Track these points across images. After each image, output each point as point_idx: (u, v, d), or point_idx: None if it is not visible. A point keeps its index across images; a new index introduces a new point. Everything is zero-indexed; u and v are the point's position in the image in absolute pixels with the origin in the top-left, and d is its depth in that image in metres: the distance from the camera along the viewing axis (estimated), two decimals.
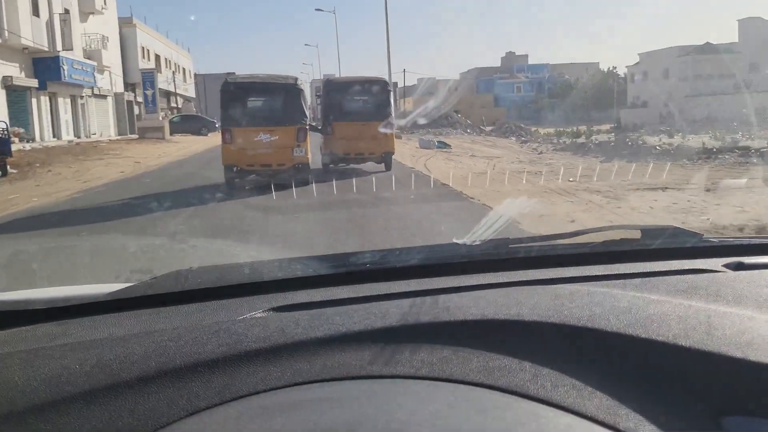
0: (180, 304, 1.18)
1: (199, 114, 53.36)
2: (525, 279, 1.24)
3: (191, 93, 66.55)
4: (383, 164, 14.12)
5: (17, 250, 6.49)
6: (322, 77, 74.64)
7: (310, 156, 11.97)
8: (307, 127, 11.88)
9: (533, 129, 37.91)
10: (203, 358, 0.86)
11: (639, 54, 67.26)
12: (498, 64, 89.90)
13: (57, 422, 0.77)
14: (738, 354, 0.83)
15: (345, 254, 1.52)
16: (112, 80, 39.99)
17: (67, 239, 7.16)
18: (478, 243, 1.51)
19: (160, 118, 34.16)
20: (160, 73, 52.36)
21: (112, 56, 39.13)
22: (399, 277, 1.29)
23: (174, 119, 44.13)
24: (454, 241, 1.53)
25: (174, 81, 54.61)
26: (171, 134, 40.57)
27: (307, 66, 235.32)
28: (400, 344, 0.89)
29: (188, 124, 43.22)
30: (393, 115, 14.29)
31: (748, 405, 0.79)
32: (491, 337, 0.90)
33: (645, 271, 1.29)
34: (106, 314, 1.14)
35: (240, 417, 0.76)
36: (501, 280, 1.23)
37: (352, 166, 14.26)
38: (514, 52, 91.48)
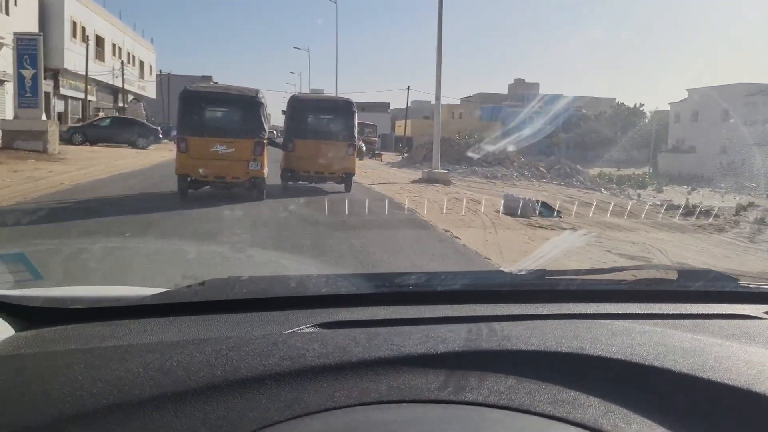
0: (223, 312, 1.18)
1: (148, 119, 40.73)
2: (571, 312, 1.24)
3: (150, 93, 54.14)
4: (343, 185, 13.76)
5: (70, 246, 6.33)
6: (309, 91, 66.07)
7: (266, 171, 11.68)
8: (265, 141, 11.63)
9: (594, 171, 30.63)
10: (269, 371, 0.85)
11: (688, 90, 57.47)
12: (505, 90, 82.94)
13: (128, 426, 0.75)
14: None
15: (390, 274, 1.66)
16: (15, 59, 27.73)
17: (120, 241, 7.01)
18: (522, 272, 1.57)
19: (43, 118, 20.17)
20: (102, 61, 39.94)
21: (17, 25, 26.94)
22: (442, 301, 1.28)
23: (98, 122, 31.64)
24: (501, 268, 1.77)
25: (123, 74, 42.34)
26: (84, 143, 28.10)
27: (294, 76, 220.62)
28: (465, 370, 0.89)
29: (119, 130, 30.65)
30: (356, 136, 14.26)
31: None
32: (555, 370, 0.90)
33: (691, 312, 1.29)
34: (153, 318, 1.14)
35: None
36: (546, 311, 1.23)
37: (313, 184, 14.01)
38: (523, 80, 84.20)
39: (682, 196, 23.87)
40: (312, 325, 1.08)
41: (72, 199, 10.92)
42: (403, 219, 10.10)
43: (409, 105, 62.94)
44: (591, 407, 0.82)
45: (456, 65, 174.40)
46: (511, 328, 1.04)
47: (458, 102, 78.30)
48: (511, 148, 28.11)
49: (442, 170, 18.90)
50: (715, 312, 1.30)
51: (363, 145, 34.53)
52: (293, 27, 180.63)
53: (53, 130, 20.70)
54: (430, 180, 17.51)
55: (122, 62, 43.15)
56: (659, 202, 18.41)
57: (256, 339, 0.98)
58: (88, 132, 29.53)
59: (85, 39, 35.29)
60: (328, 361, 0.88)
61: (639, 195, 22.23)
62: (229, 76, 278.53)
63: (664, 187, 28.42)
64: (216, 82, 63.99)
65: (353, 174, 13.93)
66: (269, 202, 11.34)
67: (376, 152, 38.66)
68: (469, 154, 25.43)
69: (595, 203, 15.81)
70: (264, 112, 11.70)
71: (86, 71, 34.45)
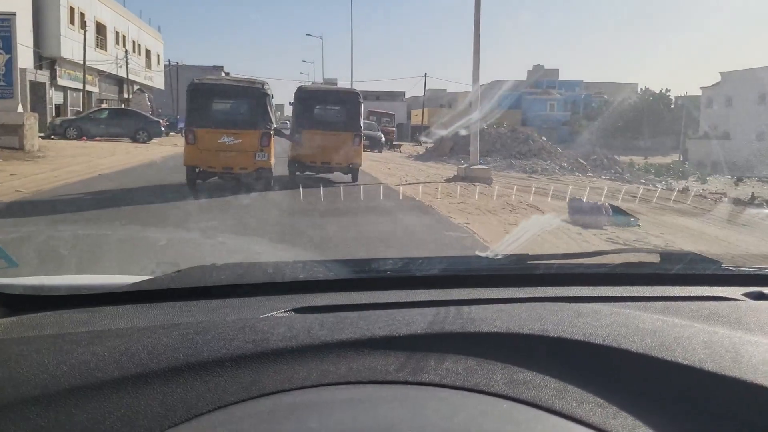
0: (201, 299, 1.20)
1: (155, 111, 38.48)
2: (545, 296, 1.26)
3: (159, 84, 51.82)
4: (350, 175, 13.49)
5: (48, 235, 6.36)
6: (322, 81, 63.28)
7: (273, 161, 11.75)
8: (272, 132, 11.66)
9: (625, 160, 27.30)
10: (230, 354, 0.87)
11: (721, 73, 54.32)
12: (524, 77, 78.66)
13: (87, 407, 0.78)
14: (764, 382, 0.83)
15: (367, 260, 1.57)
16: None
17: (95, 227, 7.05)
18: (499, 257, 1.53)
19: (20, 110, 17.40)
20: (104, 50, 37.70)
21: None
22: (419, 286, 1.31)
23: (95, 114, 29.12)
24: (477, 253, 1.58)
25: (127, 63, 40.07)
26: (80, 137, 25.94)
27: (307, 65, 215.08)
28: (425, 352, 0.90)
29: (118, 122, 28.16)
30: (362, 127, 14.17)
31: None
32: (515, 351, 0.91)
33: (665, 295, 1.30)
34: (129, 304, 1.16)
35: (263, 413, 0.78)
36: (521, 295, 1.25)
37: (320, 174, 13.64)
38: (542, 66, 79.87)
39: (728, 187, 21.19)
40: (287, 310, 1.10)
41: None
42: (460, 240, 7.46)
43: (424, 93, 60.17)
44: (546, 387, 0.84)
45: (470, 51, 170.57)
46: (479, 311, 1.05)
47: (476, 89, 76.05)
48: (534, 138, 25.44)
49: (482, 166, 16.27)
50: (692, 294, 1.30)
51: (382, 136, 32.07)
52: (306, 15, 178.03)
53: (31, 124, 18.18)
54: (467, 178, 14.63)
55: (126, 51, 40.77)
56: (724, 198, 15.87)
57: (225, 324, 0.98)
58: (84, 125, 27.14)
59: (83, 25, 32.98)
60: (290, 344, 0.90)
61: (686, 187, 19.67)
62: (240, 66, 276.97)
63: (707, 178, 25.72)
64: (227, 73, 62.68)
65: (359, 164, 13.75)
66: (275, 199, 10.74)
67: (394, 143, 36.15)
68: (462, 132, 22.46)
69: (654, 201, 13.46)
70: (270, 104, 11.78)
71: (84, 59, 32.23)
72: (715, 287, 1.37)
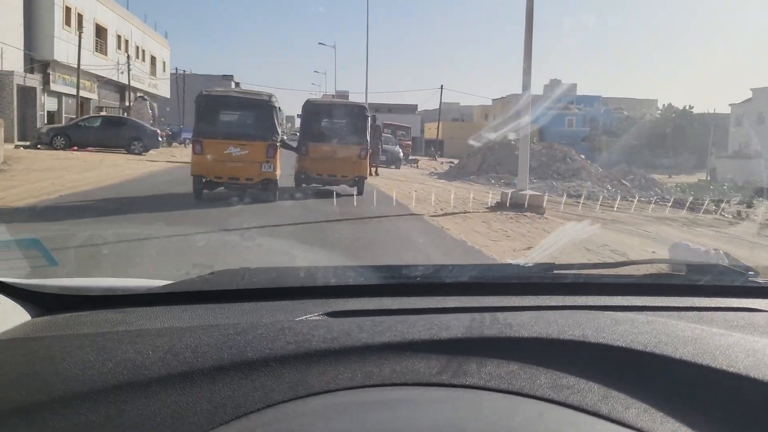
0: (234, 301, 1.20)
1: (156, 120, 35.91)
2: (577, 304, 1.25)
3: (164, 92, 49.45)
4: (355, 188, 13.42)
5: (91, 234, 6.47)
6: (334, 92, 61.11)
7: (278, 172, 11.84)
8: (278, 144, 11.80)
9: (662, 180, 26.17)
10: (274, 354, 0.87)
11: (753, 89, 51.72)
12: (540, 92, 75.49)
13: (137, 404, 0.79)
14: None
15: (398, 266, 1.57)
16: None
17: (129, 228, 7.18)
18: (529, 265, 1.57)
19: None
20: (104, 54, 35.38)
21: None
22: (450, 293, 1.30)
23: (86, 122, 26.26)
24: (509, 261, 2.15)
25: (129, 69, 37.77)
26: (70, 146, 23.47)
27: (319, 75, 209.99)
28: (467, 356, 0.90)
29: (112, 131, 25.43)
30: (369, 140, 14.14)
31: None
32: (556, 356, 0.91)
33: (697, 305, 1.29)
34: (164, 305, 1.18)
35: (319, 412, 0.78)
36: (553, 303, 1.24)
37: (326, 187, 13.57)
38: (559, 80, 77.66)
39: None
40: (320, 314, 1.10)
41: None
42: None
43: (435, 107, 57.63)
44: (590, 392, 0.84)
45: (485, 65, 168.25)
46: (515, 317, 1.05)
47: (490, 103, 72.57)
48: (573, 156, 22.84)
49: (533, 192, 13.17)
50: (721, 305, 1.30)
51: (400, 150, 29.50)
52: (318, 24, 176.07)
53: None
54: (515, 206, 11.68)
55: (128, 56, 38.51)
56: None
57: (264, 325, 0.99)
58: (73, 134, 24.47)
59: (80, 26, 30.60)
60: (332, 345, 0.90)
61: (740, 213, 17.18)
62: (251, 75, 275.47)
63: (753, 201, 22.94)
64: (237, 83, 60.75)
65: (365, 178, 13.94)
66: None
67: (410, 158, 33.61)
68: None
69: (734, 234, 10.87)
70: (277, 116, 11.91)
71: (78, 62, 29.75)
72: (743, 299, 1.36)
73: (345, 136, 13.59)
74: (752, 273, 1.54)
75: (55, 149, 23.09)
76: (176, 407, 0.78)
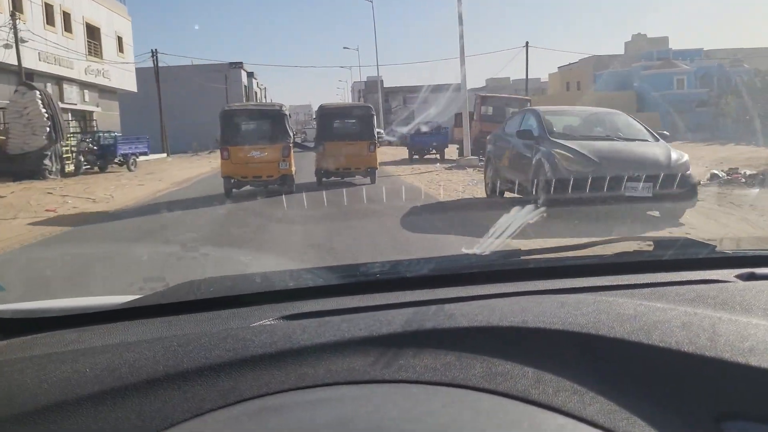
0: (192, 312, 1.21)
1: (53, 123, 21.50)
2: (534, 289, 1.25)
3: (124, 84, 35.36)
4: (368, 177, 15.64)
5: (31, 258, 6.68)
6: (365, 80, 58.87)
7: (294, 169, 14.18)
8: (291, 145, 14.30)
9: None
10: (210, 363, 0.89)
11: None
12: (621, 51, 62.12)
13: (64, 423, 0.80)
14: (740, 360, 0.84)
15: (355, 265, 1.59)
16: None
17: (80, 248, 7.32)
18: (487, 253, 1.56)
19: None
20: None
21: None
22: (408, 287, 1.30)
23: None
24: (464, 251, 1.59)
25: (16, 31, 22.92)
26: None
27: (344, 70, 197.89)
28: (403, 350, 0.92)
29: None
30: (376, 136, 16.49)
31: (747, 410, 0.80)
32: (495, 344, 0.92)
33: (655, 281, 1.30)
34: (120, 322, 1.19)
35: (239, 418, 0.80)
36: (509, 290, 1.24)
37: (346, 179, 15.84)
38: (644, 35, 62.44)
39: None
40: (275, 318, 1.11)
41: None
42: None
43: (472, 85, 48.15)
44: (523, 378, 0.84)
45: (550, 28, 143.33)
46: (461, 307, 1.05)
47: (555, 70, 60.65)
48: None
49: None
50: (682, 279, 1.29)
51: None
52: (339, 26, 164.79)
53: None
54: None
55: (13, 13, 22.98)
56: None
57: (209, 334, 1.00)
58: None
59: None
60: (269, 350, 0.91)
61: None
62: (266, 62, 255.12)
63: None
64: (250, 73, 56.95)
65: (376, 168, 15.95)
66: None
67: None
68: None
69: None
70: (288, 122, 14.46)
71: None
72: (709, 271, 1.35)
73: (355, 134, 15.90)
74: (714, 245, 1.53)
75: None
76: (104, 423, 0.80)
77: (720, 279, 1.27)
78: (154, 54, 41.36)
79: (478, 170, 16.87)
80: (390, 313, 1.05)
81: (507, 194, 10.33)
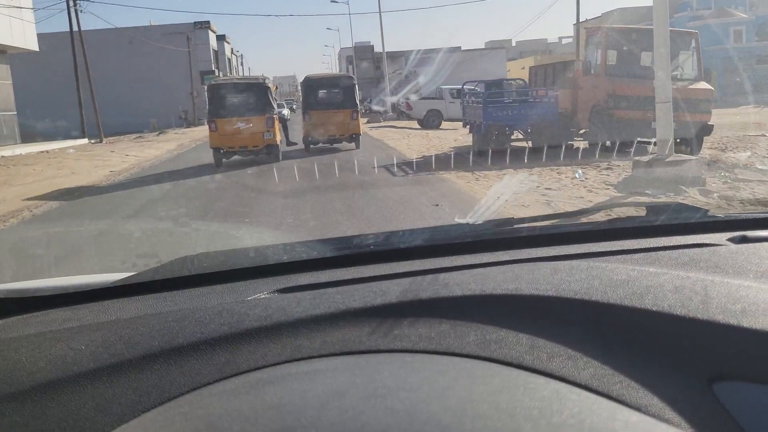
0: (187, 288, 1.23)
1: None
2: (527, 257, 1.27)
3: (24, 42, 24.85)
4: (353, 143, 17.11)
5: (23, 237, 6.54)
6: (353, 45, 56.83)
7: (278, 138, 15.09)
8: (275, 116, 14.94)
9: None
10: (205, 337, 0.90)
11: None
12: (647, 2, 44.80)
13: (62, 400, 0.81)
14: (731, 321, 0.84)
15: (349, 237, 1.59)
16: None
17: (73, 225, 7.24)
18: (481, 223, 1.56)
19: None
20: None
21: None
22: (402, 258, 1.32)
23: None
24: (457, 221, 1.60)
25: None
26: None
27: (332, 32, 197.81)
28: (399, 320, 0.92)
29: None
30: (358, 103, 17.43)
31: (739, 371, 0.81)
32: (489, 312, 0.93)
33: (647, 246, 1.30)
34: (115, 299, 1.20)
35: (235, 390, 0.80)
36: (503, 259, 1.26)
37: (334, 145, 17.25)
38: None
39: None
40: (270, 292, 1.12)
41: None
42: None
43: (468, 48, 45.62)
44: (518, 345, 0.85)
45: None
46: (456, 276, 1.06)
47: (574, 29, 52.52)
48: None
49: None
50: (675, 243, 1.30)
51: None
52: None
53: None
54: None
55: None
56: None
57: (204, 309, 1.00)
58: None
59: None
60: (265, 323, 0.92)
61: None
62: (235, 24, 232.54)
63: None
64: (222, 35, 54.30)
65: (359, 134, 17.18)
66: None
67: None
68: None
69: None
70: (271, 94, 15.24)
71: None
72: (701, 235, 1.36)
73: (339, 102, 17.07)
74: (706, 209, 1.54)
75: None
76: (101, 399, 0.80)
77: (712, 243, 1.27)
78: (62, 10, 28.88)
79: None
80: (384, 283, 1.05)
81: None
